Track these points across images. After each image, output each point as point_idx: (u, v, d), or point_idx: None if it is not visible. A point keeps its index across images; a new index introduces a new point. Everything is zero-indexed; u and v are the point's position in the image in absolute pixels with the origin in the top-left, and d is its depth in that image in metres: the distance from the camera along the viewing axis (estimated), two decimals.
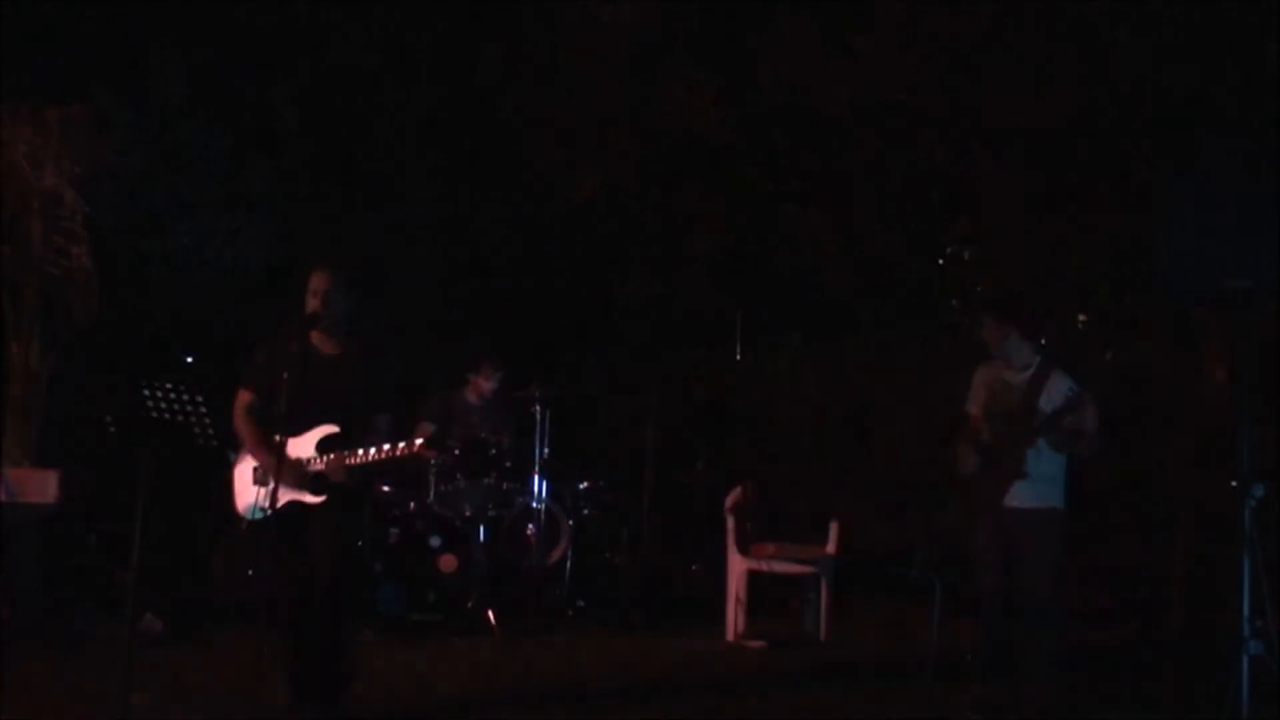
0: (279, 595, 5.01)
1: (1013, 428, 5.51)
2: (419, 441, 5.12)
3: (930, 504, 9.02)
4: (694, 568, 8.40)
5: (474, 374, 8.01)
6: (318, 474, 5.06)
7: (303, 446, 5.06)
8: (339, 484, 5.08)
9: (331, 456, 5.05)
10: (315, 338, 5.11)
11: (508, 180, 10.84)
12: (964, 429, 5.76)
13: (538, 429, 7.79)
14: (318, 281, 5.12)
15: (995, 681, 5.58)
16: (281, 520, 4.95)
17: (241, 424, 5.20)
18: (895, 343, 10.54)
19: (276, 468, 4.82)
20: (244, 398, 5.23)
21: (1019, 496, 5.48)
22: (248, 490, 5.20)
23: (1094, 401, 5.43)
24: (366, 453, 5.04)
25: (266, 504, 4.90)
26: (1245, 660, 4.89)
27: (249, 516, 5.20)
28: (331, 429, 5.09)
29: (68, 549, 7.45)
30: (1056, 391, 5.45)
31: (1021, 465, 5.44)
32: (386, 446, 5.05)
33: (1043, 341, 5.73)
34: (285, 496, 5.01)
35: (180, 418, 4.84)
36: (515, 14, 10.67)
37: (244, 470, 5.26)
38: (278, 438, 4.83)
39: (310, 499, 5.06)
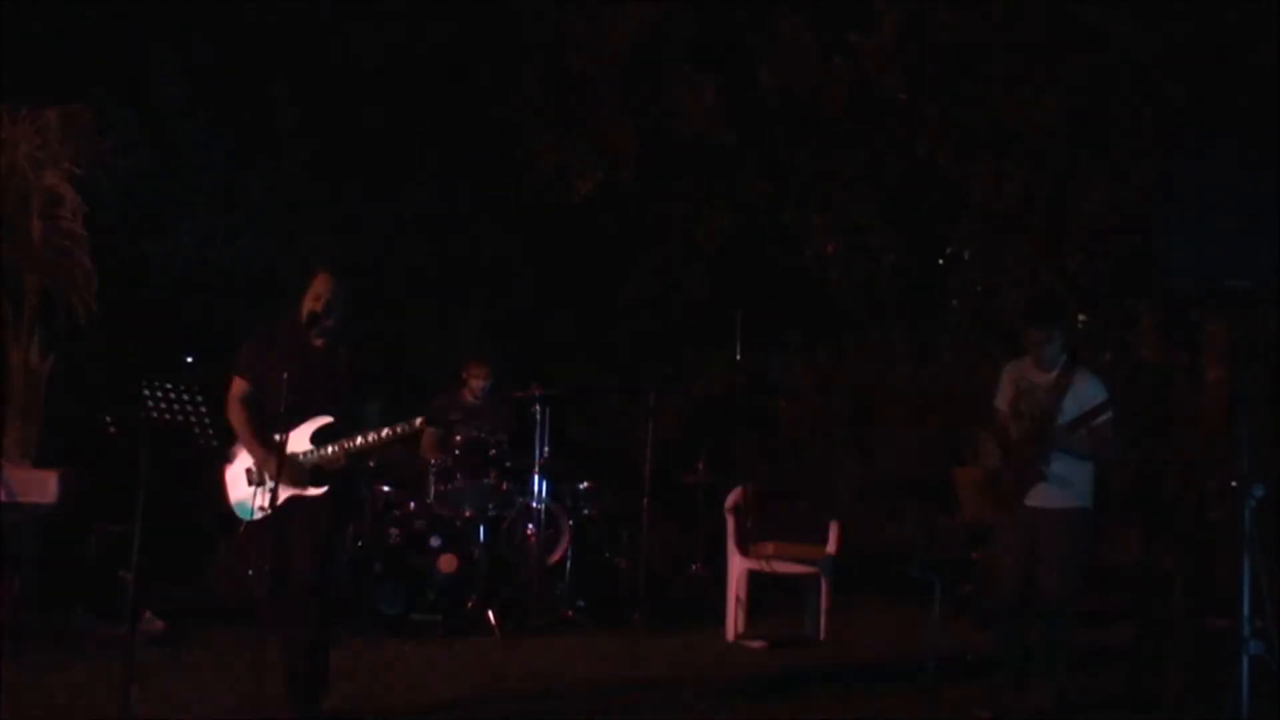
0: (274, 594, 5.00)
1: (1035, 428, 5.50)
2: (419, 420, 5.13)
3: (930, 504, 9.05)
4: (694, 568, 8.40)
5: (465, 374, 8.06)
6: (316, 466, 5.06)
7: (298, 439, 5.07)
8: (337, 474, 5.09)
9: (333, 448, 5.06)
10: (309, 335, 5.14)
11: (508, 180, 10.85)
12: (990, 423, 5.74)
13: (538, 429, 7.79)
14: (321, 285, 5.14)
15: (1004, 679, 5.58)
16: (277, 518, 4.95)
17: (236, 415, 5.20)
18: (895, 343, 10.54)
19: (276, 465, 4.83)
20: (239, 386, 5.24)
21: (1040, 496, 5.47)
22: (242, 490, 5.21)
23: (1112, 406, 5.41)
24: (366, 438, 5.06)
25: (264, 503, 4.91)
26: (1245, 660, 4.89)
27: (243, 517, 5.21)
28: (326, 420, 5.10)
29: (68, 549, 7.44)
30: (1082, 394, 5.44)
31: (1041, 466, 5.43)
32: (386, 431, 5.06)
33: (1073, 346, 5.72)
34: (284, 494, 5.02)
35: (180, 418, 4.84)
36: (516, 14, 10.67)
37: (236, 470, 5.26)
38: (278, 437, 4.84)
39: (312, 491, 5.06)
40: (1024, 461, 5.49)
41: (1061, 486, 5.44)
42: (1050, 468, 5.43)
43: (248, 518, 5.17)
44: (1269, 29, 8.10)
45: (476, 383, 8.01)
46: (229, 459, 5.31)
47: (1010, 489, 5.52)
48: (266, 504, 4.92)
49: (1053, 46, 9.49)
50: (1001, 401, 5.73)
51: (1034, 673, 5.46)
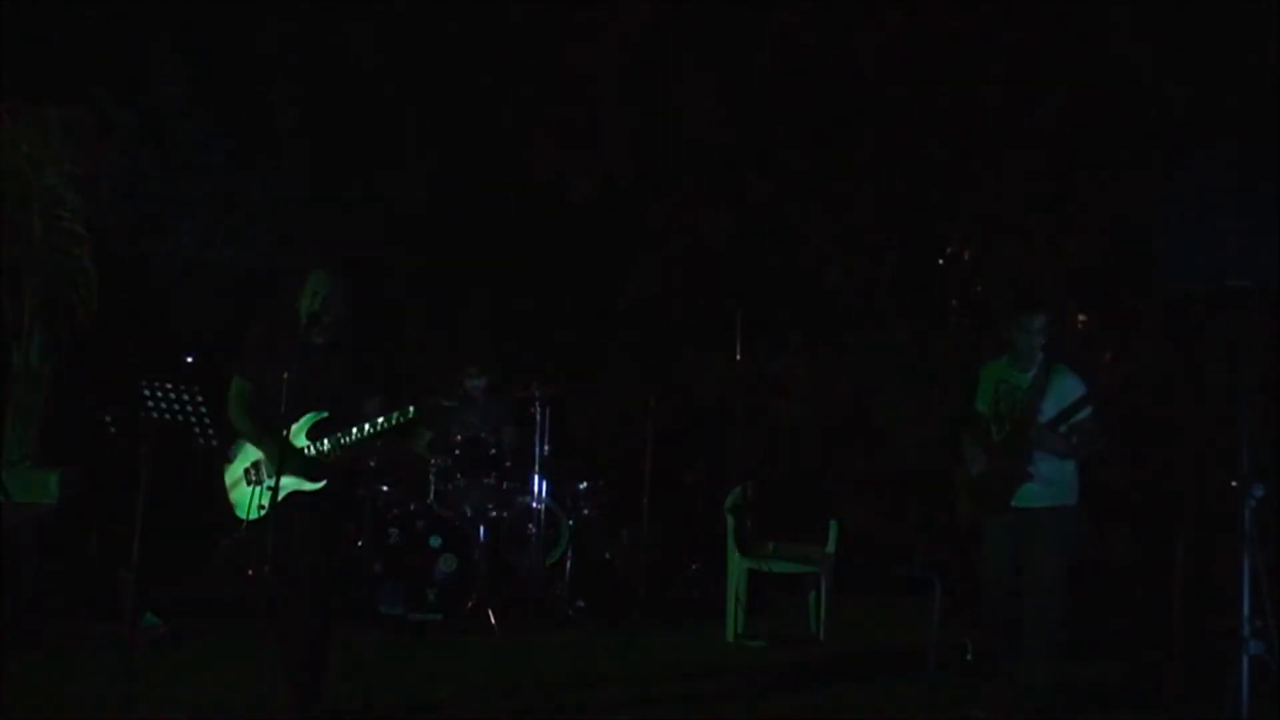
0: (276, 592, 5.00)
1: (1018, 427, 5.50)
2: (412, 408, 5.12)
3: (930, 503, 9.05)
4: (694, 568, 8.40)
5: (458, 375, 8.08)
6: (314, 459, 5.06)
7: (294, 435, 5.07)
8: (336, 469, 5.09)
9: (328, 443, 5.05)
10: (309, 334, 5.13)
11: (508, 180, 10.85)
12: (972, 428, 5.74)
13: (538, 429, 7.79)
14: (319, 283, 5.13)
15: (997, 680, 5.58)
16: (278, 517, 4.95)
17: (237, 415, 5.20)
18: (895, 342, 10.53)
19: (280, 458, 4.84)
20: (239, 386, 5.24)
21: (1026, 496, 5.47)
22: (242, 490, 5.22)
23: (1092, 400, 5.41)
24: (361, 430, 5.06)
25: (264, 502, 4.92)
26: (1245, 660, 4.89)
27: (243, 516, 5.21)
28: (320, 414, 5.10)
29: (68, 549, 7.44)
30: (1060, 392, 5.44)
31: (1026, 466, 5.43)
32: (380, 420, 5.05)
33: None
34: (283, 490, 5.02)
35: (180, 418, 4.85)
36: (515, 13, 10.67)
37: (236, 470, 5.27)
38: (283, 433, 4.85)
39: (308, 486, 5.06)
40: (1009, 463, 5.50)
41: (1046, 486, 5.45)
42: (1035, 467, 5.44)
43: (248, 517, 5.18)
44: (1269, 29, 8.10)
45: (471, 382, 8.03)
46: (229, 459, 5.31)
47: (997, 491, 5.52)
48: (266, 503, 4.93)
49: (1053, 47, 9.49)
50: (981, 403, 5.74)
51: (1026, 672, 5.46)
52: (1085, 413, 5.39)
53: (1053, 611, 5.44)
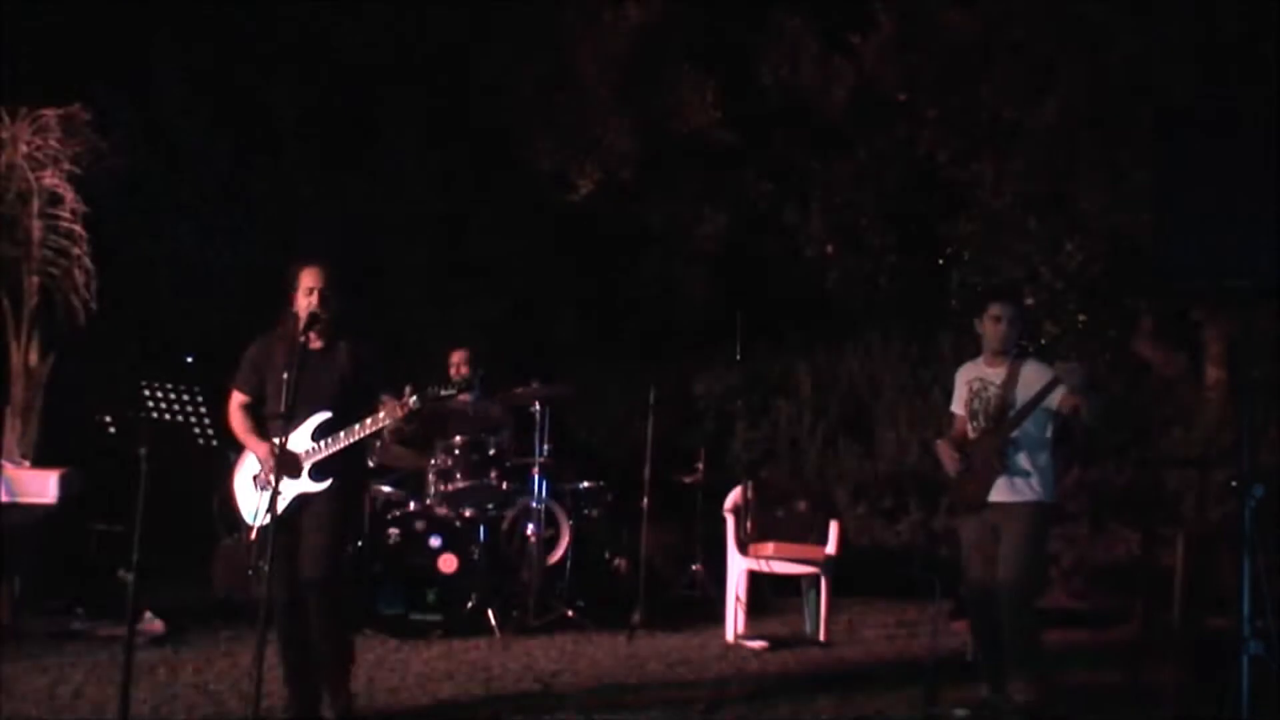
0: (279, 595, 4.99)
1: (991, 423, 5.54)
2: (412, 400, 5.10)
3: (930, 504, 9.05)
4: (694, 568, 8.40)
5: (448, 363, 8.07)
6: (317, 463, 5.05)
7: (299, 438, 5.07)
8: (343, 466, 5.08)
9: (328, 441, 5.04)
10: (309, 336, 5.11)
11: (508, 179, 10.85)
12: (948, 429, 5.79)
13: (538, 428, 7.79)
14: (311, 280, 5.11)
15: (985, 679, 5.57)
16: (283, 521, 4.94)
17: (236, 424, 5.20)
18: (895, 343, 10.54)
19: (277, 464, 4.83)
20: (236, 399, 5.24)
21: (1000, 491, 5.50)
22: (250, 494, 5.21)
23: (1062, 382, 5.40)
24: (364, 426, 5.05)
25: (272, 508, 4.91)
26: (1245, 660, 4.89)
27: (251, 521, 5.20)
28: (324, 415, 5.09)
29: (68, 549, 7.44)
30: (1029, 381, 5.48)
31: (1000, 461, 5.46)
32: (382, 415, 5.04)
33: (1024, 342, 5.74)
34: (289, 493, 5.01)
35: (180, 418, 4.85)
36: (516, 13, 10.68)
37: (244, 475, 5.26)
38: (278, 440, 4.83)
39: (314, 487, 5.05)
40: (984, 458, 5.52)
41: (1021, 479, 5.47)
42: (1010, 460, 5.46)
43: (256, 522, 5.17)
44: (1269, 28, 8.10)
45: (461, 368, 8.01)
46: (238, 463, 5.30)
47: (975, 487, 5.55)
48: (275, 508, 4.92)
49: (1053, 46, 9.49)
50: (957, 404, 5.78)
51: (1011, 669, 5.45)
52: (1058, 393, 5.41)
53: (1024, 605, 5.43)
